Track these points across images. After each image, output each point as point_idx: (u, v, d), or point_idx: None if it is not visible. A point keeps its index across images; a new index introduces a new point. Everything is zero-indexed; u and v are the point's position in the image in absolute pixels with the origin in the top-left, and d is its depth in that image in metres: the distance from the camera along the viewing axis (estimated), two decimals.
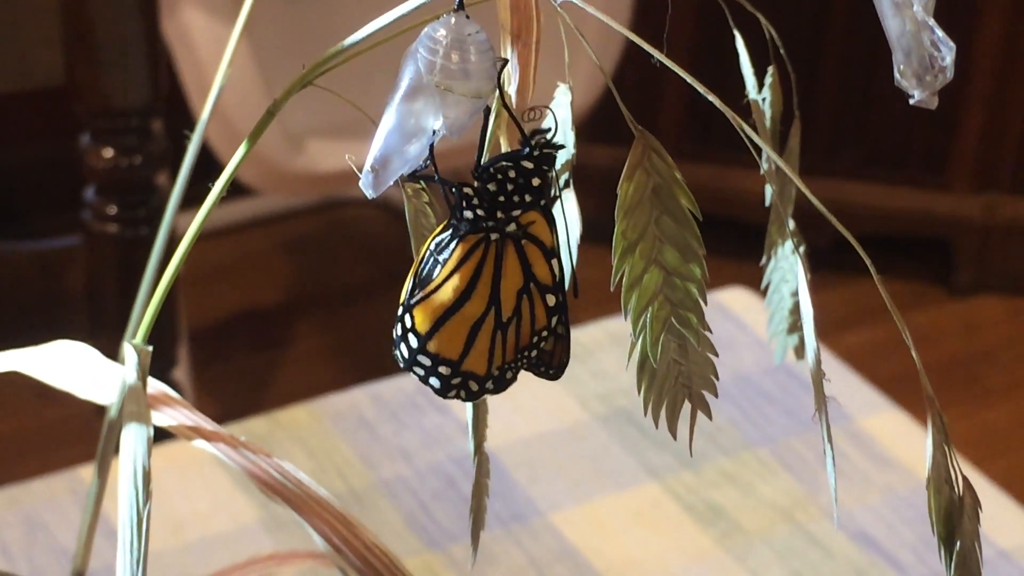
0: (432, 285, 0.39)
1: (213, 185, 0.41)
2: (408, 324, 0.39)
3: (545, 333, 0.40)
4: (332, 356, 1.88)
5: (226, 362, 1.86)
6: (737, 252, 1.33)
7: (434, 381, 0.40)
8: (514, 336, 0.40)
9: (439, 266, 0.39)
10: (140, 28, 1.27)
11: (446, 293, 0.39)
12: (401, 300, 0.40)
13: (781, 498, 0.81)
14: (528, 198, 0.39)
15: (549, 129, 0.39)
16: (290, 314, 1.95)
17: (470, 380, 0.40)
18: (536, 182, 0.38)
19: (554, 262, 0.40)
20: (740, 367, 0.90)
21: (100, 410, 1.52)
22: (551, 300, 0.40)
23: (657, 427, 0.34)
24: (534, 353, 0.41)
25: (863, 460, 0.84)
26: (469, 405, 0.43)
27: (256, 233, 2.05)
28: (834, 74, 1.94)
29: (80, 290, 1.41)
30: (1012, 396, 1.86)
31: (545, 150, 0.38)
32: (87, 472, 0.81)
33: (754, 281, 0.98)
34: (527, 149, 0.38)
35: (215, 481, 0.80)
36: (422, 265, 0.39)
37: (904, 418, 0.88)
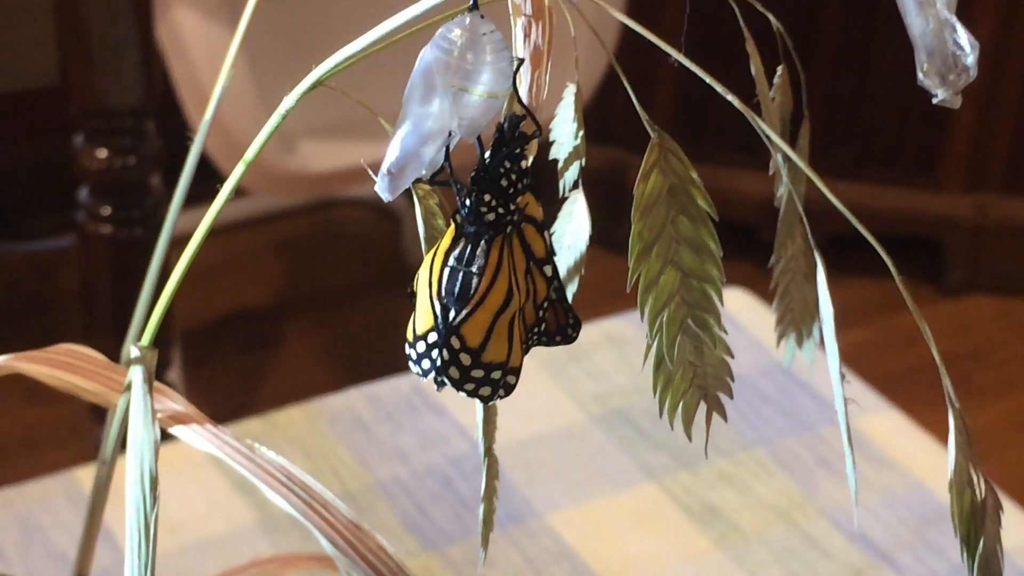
0: (476, 298, 0.38)
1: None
2: (457, 345, 0.39)
3: (545, 304, 0.40)
4: (323, 356, 1.88)
5: (217, 362, 1.85)
6: (729, 252, 1.33)
7: (484, 390, 0.39)
8: (528, 317, 0.40)
9: (475, 277, 0.38)
10: (134, 28, 1.27)
11: (494, 300, 0.38)
12: (420, 331, 0.39)
13: (778, 499, 0.81)
14: (526, 181, 0.38)
15: (523, 116, 0.39)
16: (281, 314, 1.95)
17: (509, 375, 0.39)
18: (525, 164, 0.38)
19: (546, 233, 0.39)
20: (736, 368, 0.90)
21: (91, 410, 1.50)
22: (548, 271, 0.40)
23: (672, 428, 0.34)
24: (542, 327, 0.40)
25: (860, 460, 0.84)
26: (479, 406, 0.42)
27: (247, 233, 2.05)
28: (825, 73, 1.94)
29: (74, 291, 1.41)
30: (1003, 395, 1.86)
31: (519, 131, 0.38)
32: (82, 474, 0.81)
33: (746, 280, 0.98)
34: (506, 136, 0.38)
35: (211, 483, 0.80)
36: (447, 284, 0.38)
37: (900, 418, 0.87)
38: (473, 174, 0.38)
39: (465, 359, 0.39)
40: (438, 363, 0.38)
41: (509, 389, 0.40)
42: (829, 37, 1.93)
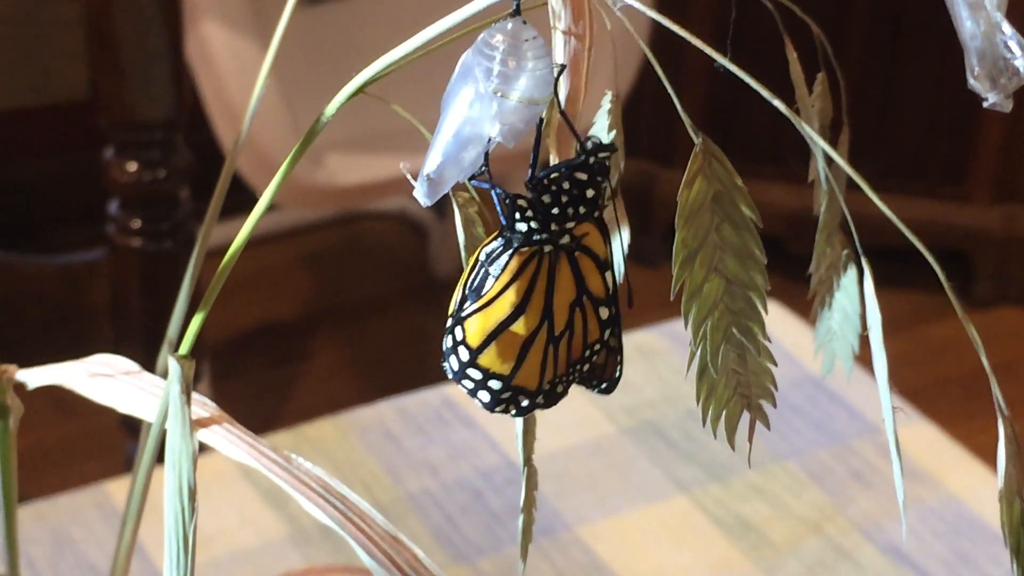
0: (485, 298, 0.38)
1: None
2: (459, 336, 0.38)
3: (598, 347, 0.39)
4: (351, 369, 1.88)
5: (245, 376, 1.85)
6: None
7: (483, 395, 0.39)
8: (566, 350, 0.39)
9: (491, 278, 0.38)
10: (164, 41, 1.27)
11: (500, 308, 0.37)
12: (450, 311, 0.39)
13: (810, 511, 0.81)
14: (582, 210, 0.38)
15: (598, 138, 0.38)
16: (308, 327, 1.95)
17: (520, 395, 0.39)
18: (590, 193, 0.37)
19: (607, 274, 0.38)
20: None
21: (122, 423, 1.50)
22: (604, 313, 0.39)
23: (716, 438, 0.34)
24: (586, 367, 0.40)
25: (893, 472, 0.83)
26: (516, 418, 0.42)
27: (274, 247, 2.05)
28: (852, 85, 1.94)
29: (104, 304, 1.42)
30: None
31: (600, 155, 0.37)
32: (113, 487, 0.81)
33: (776, 292, 0.98)
34: (581, 159, 0.37)
35: (242, 495, 0.80)
36: (472, 275, 0.38)
37: (933, 430, 0.87)
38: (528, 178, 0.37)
39: (463, 354, 0.38)
40: (443, 349, 0.38)
41: (521, 410, 0.39)
42: (856, 49, 1.92)
